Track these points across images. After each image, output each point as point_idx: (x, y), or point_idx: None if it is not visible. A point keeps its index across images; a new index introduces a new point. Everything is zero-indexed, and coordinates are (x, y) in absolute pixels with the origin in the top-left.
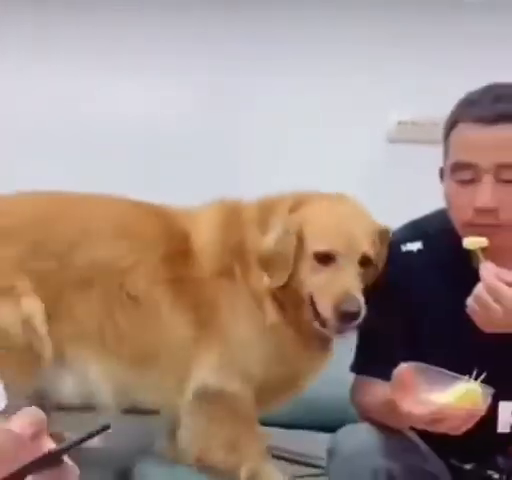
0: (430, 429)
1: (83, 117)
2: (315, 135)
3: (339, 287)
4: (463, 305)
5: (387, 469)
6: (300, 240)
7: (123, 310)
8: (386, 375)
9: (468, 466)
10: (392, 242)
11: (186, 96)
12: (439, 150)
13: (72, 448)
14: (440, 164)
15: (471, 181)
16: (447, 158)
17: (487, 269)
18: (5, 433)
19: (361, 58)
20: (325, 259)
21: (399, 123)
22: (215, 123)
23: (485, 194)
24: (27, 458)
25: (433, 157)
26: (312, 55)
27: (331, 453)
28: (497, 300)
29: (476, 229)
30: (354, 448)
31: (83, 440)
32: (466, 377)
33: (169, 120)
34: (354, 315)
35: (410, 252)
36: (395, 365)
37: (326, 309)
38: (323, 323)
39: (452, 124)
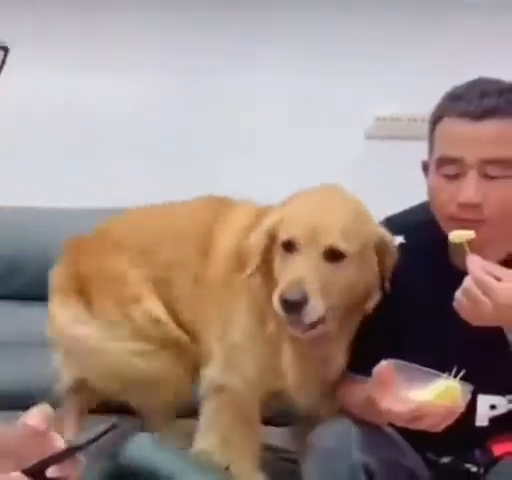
0: (410, 426)
1: (81, 115)
2: (294, 133)
3: (290, 275)
4: (445, 298)
5: (364, 463)
6: (274, 235)
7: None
8: (368, 371)
9: (445, 460)
10: None
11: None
12: (418, 145)
13: (89, 445)
14: (419, 159)
15: (456, 176)
16: (432, 152)
17: (474, 262)
18: (24, 427)
19: (339, 57)
20: (289, 248)
21: (377, 119)
22: (198, 122)
23: (469, 189)
24: (42, 450)
25: (412, 153)
26: (290, 54)
27: (311, 447)
28: (485, 293)
29: (459, 223)
30: (331, 443)
31: (97, 438)
32: (445, 375)
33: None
34: (295, 305)
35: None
36: (378, 361)
37: (276, 299)
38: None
39: (437, 118)
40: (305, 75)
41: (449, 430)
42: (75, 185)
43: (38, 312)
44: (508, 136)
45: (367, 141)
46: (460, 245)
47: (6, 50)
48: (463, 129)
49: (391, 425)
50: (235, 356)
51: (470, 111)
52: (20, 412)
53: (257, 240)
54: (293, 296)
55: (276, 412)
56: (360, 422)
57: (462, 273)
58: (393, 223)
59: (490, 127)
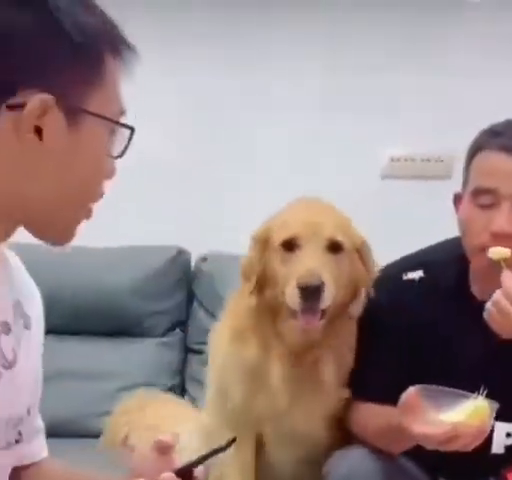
0: (442, 448)
1: None
2: (311, 170)
3: (302, 267)
4: (463, 332)
5: None
6: (267, 242)
7: None
8: (381, 399)
9: None
10: (392, 272)
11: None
12: (430, 185)
13: (206, 460)
14: (431, 198)
15: (490, 206)
16: (467, 184)
17: (508, 277)
18: (156, 443)
19: (358, 105)
20: (290, 246)
21: (392, 159)
22: (214, 155)
23: (502, 219)
24: (169, 464)
25: (424, 192)
26: (307, 92)
27: (326, 476)
28: None
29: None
30: (347, 472)
31: (213, 453)
32: (473, 395)
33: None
34: (315, 289)
35: (411, 280)
36: (390, 389)
37: (291, 289)
38: (294, 314)
39: (475, 152)
40: (325, 114)
41: (465, 457)
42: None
43: (73, 346)
44: None
45: (382, 180)
46: (497, 261)
47: (133, 130)
48: (500, 162)
49: (404, 453)
50: (221, 379)
51: (508, 146)
52: (64, 439)
53: (250, 252)
54: (313, 282)
55: None
56: (374, 451)
57: (481, 305)
58: (413, 258)
59: None
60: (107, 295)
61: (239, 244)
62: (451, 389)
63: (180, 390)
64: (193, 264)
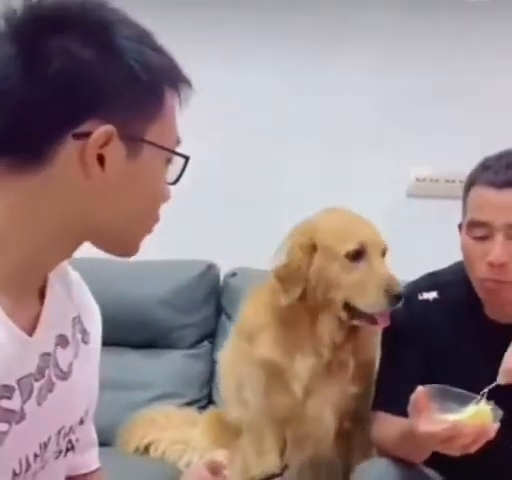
0: (444, 450)
1: None
2: (341, 189)
3: (381, 275)
4: (475, 352)
5: None
6: (316, 251)
7: None
8: (403, 413)
9: None
10: (409, 292)
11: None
12: (453, 205)
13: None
14: (455, 217)
15: (485, 238)
16: (465, 215)
17: None
18: (209, 462)
19: (384, 125)
20: (356, 257)
21: (417, 179)
22: (240, 168)
23: (497, 249)
24: None
25: (448, 211)
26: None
27: None
28: None
29: (490, 284)
30: None
31: (269, 478)
32: (478, 397)
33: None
34: (401, 296)
35: (426, 301)
36: (408, 402)
37: (377, 297)
38: (363, 315)
39: (469, 185)
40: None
41: (488, 470)
42: None
43: (103, 357)
44: None
45: (408, 199)
46: None
47: (187, 159)
48: (489, 196)
49: (431, 467)
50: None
51: (495, 181)
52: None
53: (296, 261)
54: (401, 289)
55: None
56: (398, 462)
57: (494, 323)
58: (429, 279)
59: None
60: (137, 307)
61: (267, 260)
62: (459, 390)
63: (207, 401)
64: (222, 279)
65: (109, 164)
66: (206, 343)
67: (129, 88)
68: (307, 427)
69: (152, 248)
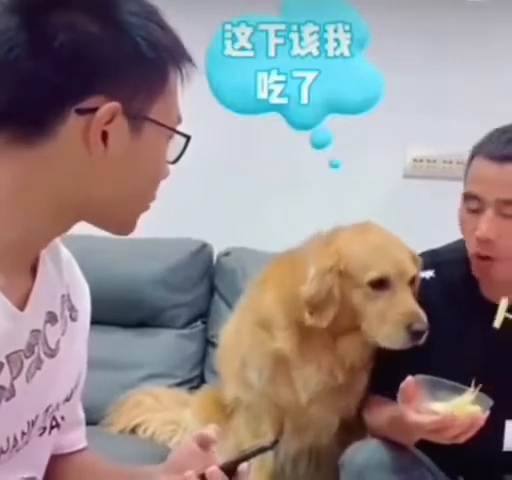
0: (432, 438)
1: None
2: (338, 171)
3: (405, 309)
4: (470, 331)
5: None
6: (341, 275)
7: None
8: (393, 393)
9: None
10: None
11: None
12: (450, 185)
13: (250, 458)
14: (452, 198)
15: (477, 211)
16: (464, 186)
17: None
18: (197, 437)
19: (382, 102)
20: (380, 285)
21: (414, 160)
22: (236, 149)
23: (484, 225)
24: (210, 458)
25: (445, 192)
26: None
27: (342, 467)
28: None
29: (478, 260)
30: (362, 463)
31: (258, 452)
32: (468, 388)
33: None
34: (422, 333)
35: (423, 279)
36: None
37: (396, 332)
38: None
39: (473, 155)
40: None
41: (478, 454)
42: None
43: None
44: None
45: (405, 180)
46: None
47: (189, 138)
48: (485, 169)
49: (421, 449)
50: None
51: (494, 154)
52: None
53: (326, 286)
54: (423, 327)
55: None
56: (389, 443)
57: (489, 303)
58: (426, 258)
59: (510, 170)
60: (130, 286)
61: (260, 240)
62: (449, 381)
63: (199, 381)
64: (215, 258)
65: (112, 141)
66: (199, 323)
67: (134, 65)
68: (308, 422)
69: (146, 226)
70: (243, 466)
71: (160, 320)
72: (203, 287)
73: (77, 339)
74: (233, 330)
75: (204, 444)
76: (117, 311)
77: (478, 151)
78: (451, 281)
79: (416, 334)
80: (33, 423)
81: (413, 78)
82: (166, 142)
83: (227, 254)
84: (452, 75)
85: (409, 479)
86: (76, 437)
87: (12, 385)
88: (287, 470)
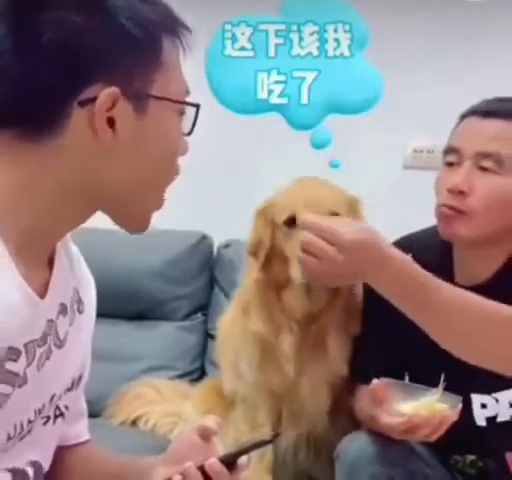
0: (406, 438)
1: None
2: (337, 160)
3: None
4: None
5: (388, 476)
6: (271, 220)
7: None
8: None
9: (471, 457)
10: None
11: None
12: None
13: (251, 451)
14: None
15: (455, 164)
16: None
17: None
18: (198, 428)
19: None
20: (293, 223)
21: (414, 151)
22: (235, 141)
23: (458, 176)
24: (210, 449)
25: None
26: None
27: (337, 459)
28: (331, 241)
29: (445, 212)
30: (355, 455)
31: (258, 445)
32: (434, 389)
33: None
34: None
35: None
36: (383, 372)
37: (294, 265)
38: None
39: (461, 117)
40: None
41: (453, 432)
42: None
43: (94, 328)
44: (506, 135)
45: (404, 170)
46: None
47: (198, 107)
48: (470, 124)
49: None
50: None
51: (479, 110)
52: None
53: (255, 232)
54: None
55: None
56: (384, 436)
57: (462, 287)
58: (404, 242)
59: (492, 124)
60: (129, 278)
61: None
62: (414, 384)
63: (200, 373)
64: (215, 250)
65: (120, 125)
66: (199, 315)
67: (124, 47)
68: (301, 403)
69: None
70: (243, 459)
71: (160, 312)
72: (203, 279)
73: (83, 331)
74: (228, 321)
75: (205, 435)
76: (117, 303)
77: (468, 111)
78: (427, 267)
79: None
80: (39, 411)
81: (413, 77)
82: (177, 116)
83: (227, 246)
84: (452, 74)
85: (403, 472)
86: (80, 429)
87: (25, 373)
88: (287, 459)
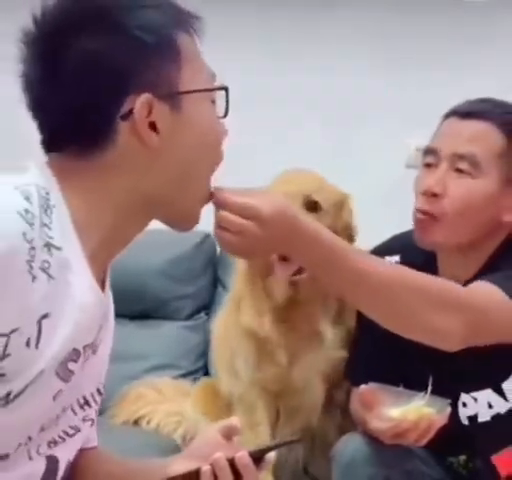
0: (396, 443)
1: None
2: (339, 159)
3: None
4: None
5: (385, 476)
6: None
7: None
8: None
9: (462, 457)
10: (376, 255)
11: None
12: None
13: (277, 448)
14: None
15: (432, 165)
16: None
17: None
18: (223, 428)
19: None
20: None
21: (417, 150)
22: (241, 141)
23: (433, 178)
24: (232, 448)
25: None
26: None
27: (333, 459)
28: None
29: (420, 215)
30: (350, 456)
31: (285, 444)
32: (421, 393)
33: None
34: None
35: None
36: (376, 373)
37: None
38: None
39: (444, 117)
40: None
41: (445, 432)
42: None
43: None
44: (482, 136)
45: (407, 169)
46: None
47: (226, 90)
48: (449, 125)
49: None
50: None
51: (459, 110)
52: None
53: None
54: None
55: None
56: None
57: None
58: (393, 242)
59: (470, 126)
60: (133, 277)
61: None
62: (401, 388)
63: (203, 373)
64: (219, 249)
65: (161, 126)
66: (202, 314)
67: (144, 56)
68: (296, 398)
69: None
70: (270, 455)
71: (163, 312)
72: (206, 278)
73: (108, 336)
74: (222, 320)
75: (228, 434)
76: (120, 302)
77: (450, 112)
78: (415, 267)
79: None
80: (65, 409)
81: (414, 77)
82: (210, 103)
83: None
84: (452, 74)
85: (400, 473)
86: (92, 434)
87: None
88: (286, 456)
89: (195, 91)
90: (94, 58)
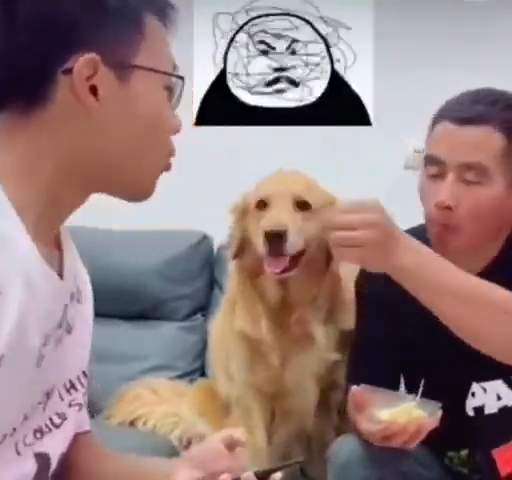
0: (386, 445)
1: None
2: (338, 160)
3: (270, 217)
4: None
5: (379, 477)
6: (245, 211)
7: None
8: (372, 381)
9: (464, 452)
10: None
11: None
12: None
13: (285, 468)
14: None
15: (438, 176)
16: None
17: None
18: (224, 439)
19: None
20: (262, 206)
21: (415, 151)
22: (236, 140)
23: (445, 192)
24: (229, 465)
25: None
26: None
27: (328, 461)
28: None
29: (435, 226)
30: (345, 458)
31: (293, 464)
32: (412, 396)
33: None
34: (278, 234)
35: None
36: (378, 372)
37: (259, 238)
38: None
39: (435, 120)
40: None
41: (447, 423)
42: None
43: (94, 328)
44: (487, 142)
45: (406, 171)
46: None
47: (182, 79)
48: (448, 132)
49: None
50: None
51: (458, 116)
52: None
53: (230, 227)
54: (277, 227)
55: None
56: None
57: None
58: None
59: (473, 133)
60: (129, 278)
61: None
62: (392, 391)
63: (200, 374)
64: (216, 250)
65: (102, 93)
66: (199, 315)
67: (100, 16)
68: (290, 400)
69: (146, 218)
70: (275, 475)
71: (160, 312)
72: (203, 279)
73: (84, 321)
74: (218, 325)
75: (231, 446)
76: (117, 303)
77: (441, 114)
78: None
79: (270, 235)
80: (48, 395)
81: (413, 77)
82: (162, 90)
83: (227, 246)
84: (452, 74)
85: (395, 474)
86: (84, 418)
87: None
88: (281, 458)
89: (147, 68)
90: (50, 5)
